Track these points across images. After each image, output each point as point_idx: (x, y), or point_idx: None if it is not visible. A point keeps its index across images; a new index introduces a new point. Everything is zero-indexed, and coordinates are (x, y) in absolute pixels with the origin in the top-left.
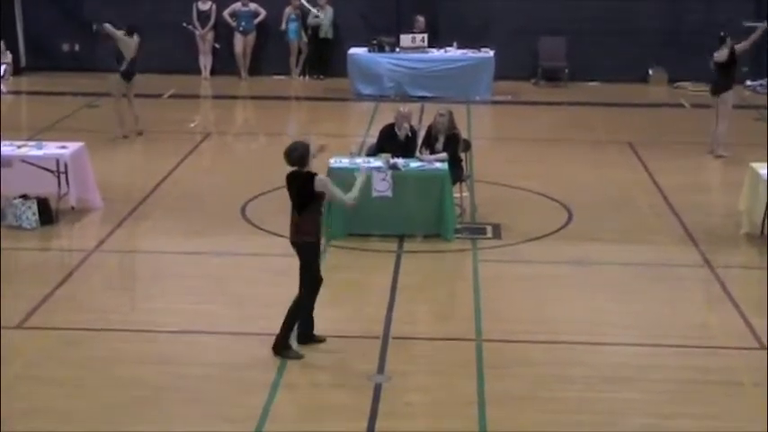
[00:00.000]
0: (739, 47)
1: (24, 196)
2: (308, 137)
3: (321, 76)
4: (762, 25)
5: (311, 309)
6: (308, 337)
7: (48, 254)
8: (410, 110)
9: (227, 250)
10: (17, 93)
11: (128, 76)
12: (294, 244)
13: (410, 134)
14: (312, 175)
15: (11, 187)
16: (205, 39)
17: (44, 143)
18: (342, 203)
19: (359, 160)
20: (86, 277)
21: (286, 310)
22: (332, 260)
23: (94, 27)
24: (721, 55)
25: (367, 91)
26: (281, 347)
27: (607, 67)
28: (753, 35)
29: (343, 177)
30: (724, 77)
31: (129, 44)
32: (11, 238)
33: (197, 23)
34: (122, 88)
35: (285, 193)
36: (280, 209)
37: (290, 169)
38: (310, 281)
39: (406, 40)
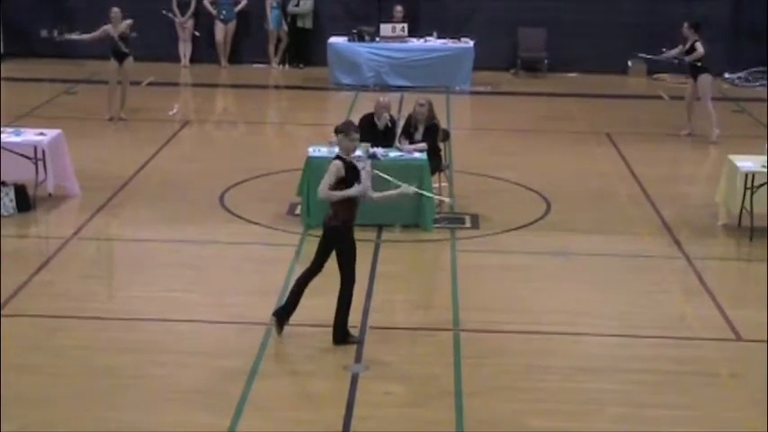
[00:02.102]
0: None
1: (2, 183)
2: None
3: (301, 65)
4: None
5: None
6: (285, 319)
7: (25, 241)
8: (389, 99)
9: (206, 238)
10: None
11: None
12: (323, 226)
13: (389, 124)
14: (332, 161)
15: None
16: (185, 26)
17: (22, 130)
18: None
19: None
20: (64, 265)
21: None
22: (310, 249)
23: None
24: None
25: (346, 80)
26: (340, 336)
27: (586, 59)
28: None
29: (321, 166)
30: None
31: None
32: None
33: (176, 11)
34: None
35: (263, 181)
36: (258, 197)
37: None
38: (348, 265)
39: (386, 29)
